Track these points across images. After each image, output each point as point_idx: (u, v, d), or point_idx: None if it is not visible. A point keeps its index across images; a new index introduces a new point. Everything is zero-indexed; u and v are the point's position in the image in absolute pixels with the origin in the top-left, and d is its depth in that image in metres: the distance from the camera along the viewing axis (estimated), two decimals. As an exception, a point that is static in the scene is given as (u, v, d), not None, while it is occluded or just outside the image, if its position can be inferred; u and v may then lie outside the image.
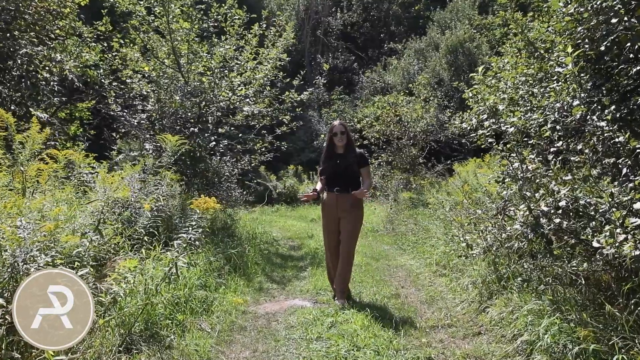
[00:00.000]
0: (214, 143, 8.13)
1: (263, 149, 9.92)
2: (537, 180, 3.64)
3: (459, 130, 9.85)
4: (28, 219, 3.00)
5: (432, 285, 5.59)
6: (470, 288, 4.82)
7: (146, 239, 4.64)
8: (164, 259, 4.00)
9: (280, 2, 26.08)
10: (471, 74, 5.76)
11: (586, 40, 3.27)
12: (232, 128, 9.63)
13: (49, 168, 4.11)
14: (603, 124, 3.04)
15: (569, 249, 3.91)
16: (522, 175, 3.54)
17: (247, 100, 8.79)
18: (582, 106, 3.24)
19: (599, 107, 3.20)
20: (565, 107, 3.53)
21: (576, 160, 3.49)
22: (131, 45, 8.71)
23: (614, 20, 2.99)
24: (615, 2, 3.10)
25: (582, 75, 3.57)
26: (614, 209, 2.90)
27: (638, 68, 3.12)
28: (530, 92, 5.18)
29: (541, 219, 3.50)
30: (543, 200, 3.47)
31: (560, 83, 3.60)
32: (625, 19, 3.00)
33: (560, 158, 3.59)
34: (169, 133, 6.56)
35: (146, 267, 3.96)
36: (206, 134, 8.13)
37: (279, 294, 5.51)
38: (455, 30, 19.85)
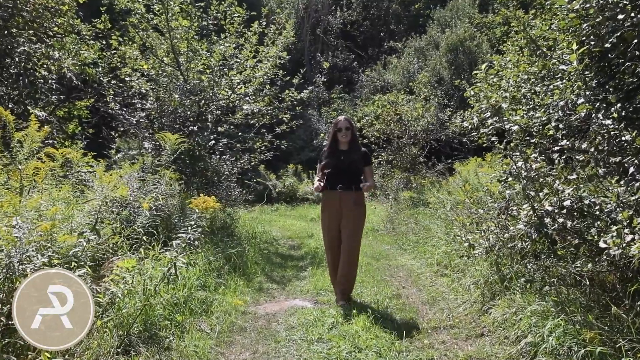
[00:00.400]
0: (213, 142, 8.08)
1: (263, 148, 9.88)
2: (541, 180, 3.59)
3: (459, 129, 9.81)
4: (24, 218, 2.95)
5: (433, 286, 5.54)
6: (472, 288, 4.78)
7: (145, 239, 4.59)
8: (163, 259, 3.95)
9: (279, 1, 26.01)
10: (474, 72, 5.71)
11: (591, 37, 3.22)
12: (232, 127, 9.58)
13: (46, 166, 4.06)
14: (608, 122, 2.99)
15: (572, 249, 3.87)
16: (525, 174, 3.49)
17: (247, 98, 8.73)
18: (587, 104, 3.20)
19: (604, 105, 3.15)
20: (570, 105, 3.48)
21: (580, 159, 3.44)
22: (130, 43, 8.65)
23: (620, 17, 2.94)
24: (621, -2, 3.05)
25: (586, 72, 3.52)
26: (619, 209, 2.85)
27: (644, 66, 3.08)
28: (532, 91, 5.14)
29: (545, 219, 3.45)
30: (547, 199, 3.42)
31: (564, 81, 3.55)
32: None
33: (564, 157, 3.54)
34: (168, 132, 6.50)
35: (145, 267, 3.91)
36: (205, 133, 8.08)
37: (279, 294, 5.46)
38: (455, 28, 19.79)
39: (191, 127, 7.97)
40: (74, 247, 3.22)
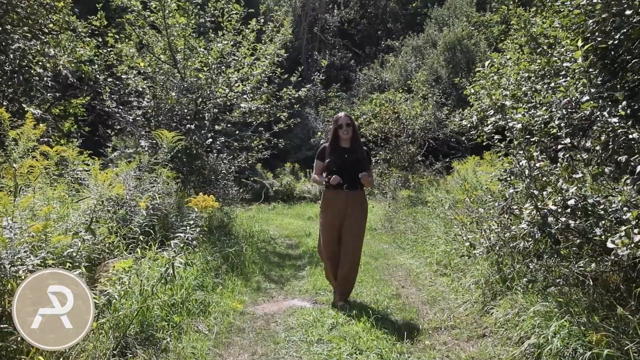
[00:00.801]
0: (210, 140, 8.01)
1: (260, 146, 9.82)
2: (544, 179, 3.54)
3: (458, 127, 9.76)
4: (18, 217, 2.88)
5: (433, 285, 5.49)
6: (473, 288, 4.73)
7: (141, 238, 4.52)
8: (161, 259, 3.89)
9: (277, -1, 25.94)
10: (476, 69, 5.66)
11: (597, 34, 3.16)
12: (229, 125, 9.51)
13: (41, 165, 3.98)
14: (615, 120, 2.94)
15: (575, 248, 3.83)
16: (529, 173, 3.44)
17: (245, 96, 8.66)
18: (592, 102, 3.14)
19: (609, 103, 3.10)
20: (574, 103, 3.43)
21: (584, 157, 3.39)
22: (126, 40, 8.57)
23: (628, 12, 2.88)
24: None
25: (590, 70, 3.47)
26: (625, 208, 2.80)
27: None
28: (533, 89, 5.09)
29: (548, 218, 3.40)
30: (551, 198, 3.37)
31: (567, 78, 3.50)
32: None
33: (567, 155, 3.49)
34: (165, 130, 6.43)
35: (142, 268, 3.84)
36: (203, 131, 8.00)
37: (277, 294, 5.40)
38: (453, 27, 19.77)
39: (188, 126, 7.90)
40: (69, 248, 3.14)
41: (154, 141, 6.96)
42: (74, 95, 10.71)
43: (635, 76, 3.18)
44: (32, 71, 7.72)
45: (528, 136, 4.60)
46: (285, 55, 9.26)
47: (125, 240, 4.38)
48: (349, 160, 4.57)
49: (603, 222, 3.31)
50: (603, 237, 2.89)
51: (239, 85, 8.55)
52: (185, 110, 8.21)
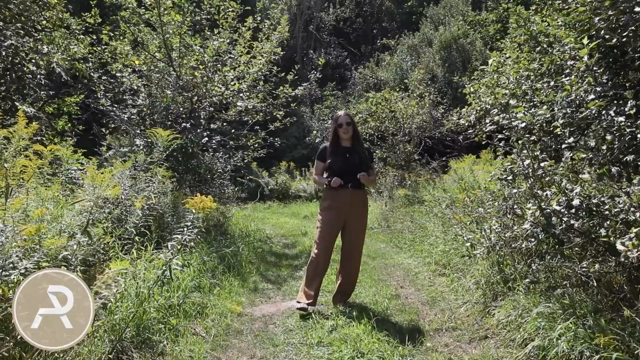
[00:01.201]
0: (206, 139, 7.92)
1: (256, 145, 9.75)
2: (548, 178, 3.49)
3: (455, 126, 9.71)
4: (10, 220, 2.80)
5: (432, 286, 5.44)
6: (473, 289, 4.68)
7: (137, 239, 4.44)
8: (157, 261, 3.81)
9: (272, -3, 25.81)
10: (480, 67, 5.60)
11: (602, 32, 3.11)
12: (225, 124, 9.43)
13: (34, 164, 3.89)
14: (621, 119, 2.89)
15: (577, 249, 3.78)
16: (532, 173, 3.39)
17: (241, 95, 8.58)
18: (597, 100, 3.09)
19: (615, 102, 3.05)
20: (578, 102, 3.38)
21: (589, 157, 3.34)
22: (121, 38, 8.46)
23: (637, 9, 2.83)
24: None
25: (594, 68, 3.42)
26: (633, 209, 2.75)
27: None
28: (534, 87, 5.05)
29: (553, 219, 3.35)
30: (555, 199, 3.32)
31: (572, 77, 3.45)
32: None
33: (571, 155, 3.44)
34: (160, 129, 6.34)
35: (138, 269, 3.76)
36: (198, 130, 7.92)
37: (274, 294, 5.33)
38: (448, 26, 19.74)
39: (184, 124, 7.81)
40: (64, 250, 3.06)
41: (149, 140, 6.87)
42: (67, 93, 10.59)
43: (640, 74, 3.14)
44: (25, 69, 7.60)
45: (527, 135, 4.55)
46: (282, 53, 9.19)
47: (121, 241, 4.29)
48: (350, 161, 4.44)
49: (608, 222, 3.27)
50: (612, 238, 2.84)
51: (235, 84, 8.46)
52: (181, 109, 8.12)
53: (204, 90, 8.17)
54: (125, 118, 8.17)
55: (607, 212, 3.26)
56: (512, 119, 3.73)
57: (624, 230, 2.81)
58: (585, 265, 3.52)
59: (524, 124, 3.59)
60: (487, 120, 5.90)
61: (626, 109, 2.86)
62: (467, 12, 21.44)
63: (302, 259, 7.10)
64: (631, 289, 3.32)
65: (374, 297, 4.96)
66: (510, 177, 4.21)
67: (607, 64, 3.35)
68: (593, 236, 3.42)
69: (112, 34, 8.42)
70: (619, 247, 2.58)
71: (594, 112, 3.07)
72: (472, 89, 5.83)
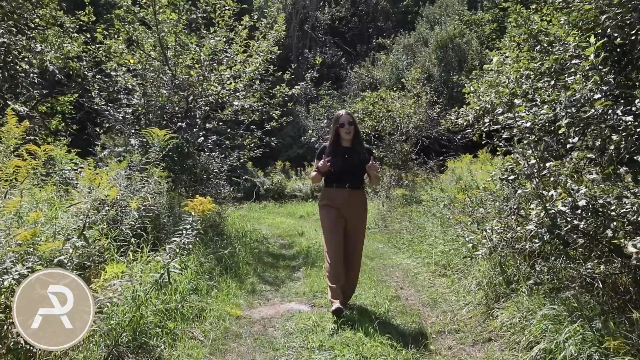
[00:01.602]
0: (202, 139, 7.83)
1: (252, 145, 9.67)
2: (552, 179, 3.43)
3: (453, 126, 9.67)
4: (2, 224, 2.71)
5: (432, 287, 5.38)
6: (475, 290, 4.62)
7: (133, 241, 4.35)
8: (154, 263, 3.73)
9: (268, -5, 25.69)
10: (485, 66, 5.54)
11: (609, 30, 3.06)
12: (220, 123, 9.33)
13: (28, 165, 3.79)
14: (629, 118, 2.83)
15: (581, 250, 3.73)
16: (538, 173, 3.33)
17: (237, 94, 8.49)
18: (603, 99, 3.04)
19: (622, 101, 3.00)
20: (583, 101, 3.33)
21: (594, 157, 3.29)
22: (115, 36, 8.35)
23: (647, 6, 2.79)
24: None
25: (599, 67, 3.37)
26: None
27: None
28: (534, 87, 4.99)
29: (558, 219, 3.29)
30: (560, 199, 3.26)
31: (577, 76, 3.39)
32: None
33: (577, 154, 3.38)
34: (156, 128, 6.24)
35: (134, 271, 3.68)
36: (194, 129, 7.82)
37: (273, 296, 5.25)
38: (444, 25, 19.72)
39: (179, 124, 7.71)
40: (59, 254, 2.97)
41: (144, 139, 6.78)
42: (61, 92, 10.46)
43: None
44: (18, 67, 7.49)
45: (528, 135, 4.50)
46: (279, 51, 9.11)
47: (116, 243, 4.21)
48: (349, 161, 4.34)
49: (614, 223, 3.22)
50: (622, 240, 2.78)
51: (231, 83, 8.37)
52: (176, 108, 8.02)
53: (200, 90, 8.07)
54: (120, 117, 8.06)
55: (613, 213, 3.21)
56: (517, 118, 3.67)
57: (631, 232, 2.75)
58: (590, 267, 3.46)
59: (529, 124, 3.53)
60: (487, 120, 5.86)
61: (634, 108, 2.80)
62: (463, 11, 21.43)
63: (300, 260, 7.03)
64: (638, 291, 3.27)
65: (374, 298, 4.89)
66: (511, 177, 4.16)
67: (612, 62, 3.30)
68: (599, 237, 3.37)
69: (106, 33, 8.30)
70: (631, 249, 2.53)
71: (600, 111, 3.02)
72: (471, 88, 5.76)
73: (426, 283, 5.58)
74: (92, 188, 3.15)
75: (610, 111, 3.03)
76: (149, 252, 4.26)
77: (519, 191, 3.59)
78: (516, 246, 4.06)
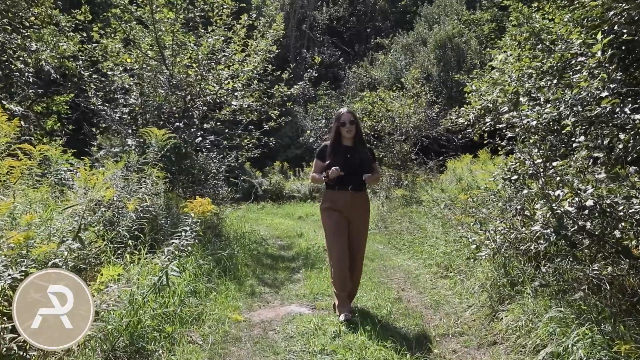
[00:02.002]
0: (200, 139, 7.75)
1: (250, 145, 9.58)
2: (558, 178, 3.36)
3: (453, 125, 9.61)
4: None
5: (434, 288, 5.30)
6: (478, 292, 4.55)
7: (130, 243, 4.26)
8: (152, 266, 3.64)
9: (265, -5, 25.62)
10: (489, 63, 5.47)
11: (617, 27, 2.99)
12: (218, 123, 9.25)
13: (22, 165, 3.71)
14: (638, 116, 2.77)
15: (587, 251, 3.66)
16: (544, 173, 3.26)
17: (235, 94, 8.41)
18: (611, 97, 2.97)
19: (630, 99, 2.93)
20: (589, 99, 3.26)
21: (601, 156, 3.22)
22: (112, 35, 8.25)
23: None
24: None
25: (606, 65, 3.30)
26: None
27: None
28: (537, 85, 4.93)
29: (564, 220, 3.22)
30: (566, 199, 3.19)
31: (584, 73, 3.33)
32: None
33: (584, 154, 3.32)
34: (154, 127, 6.16)
35: (131, 274, 3.60)
36: (192, 130, 7.74)
37: (272, 298, 5.17)
38: (443, 25, 19.66)
39: (177, 124, 7.63)
40: (54, 257, 2.89)
41: (142, 140, 6.69)
42: (57, 92, 10.35)
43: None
44: (13, 66, 7.40)
45: (532, 133, 4.43)
46: (278, 50, 9.03)
47: (113, 245, 4.12)
48: (350, 161, 4.23)
49: (622, 224, 3.15)
50: (633, 241, 2.71)
51: (229, 82, 8.29)
52: (174, 108, 7.93)
53: (198, 89, 7.99)
54: (117, 117, 7.97)
55: (621, 214, 3.14)
56: (523, 117, 3.60)
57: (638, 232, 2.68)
58: (597, 268, 3.39)
59: (534, 122, 3.46)
60: (488, 120, 5.79)
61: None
62: (461, 11, 21.38)
63: (300, 262, 6.95)
64: (645, 293, 3.20)
65: (375, 300, 4.81)
66: (514, 178, 4.09)
67: (619, 60, 3.23)
68: (606, 238, 3.30)
69: (102, 32, 8.21)
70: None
71: (607, 109, 2.95)
72: (473, 87, 5.69)
73: (428, 285, 5.51)
74: (88, 189, 3.06)
75: (617, 109, 2.97)
76: (146, 254, 4.18)
77: (524, 191, 3.52)
78: (520, 247, 3.99)
